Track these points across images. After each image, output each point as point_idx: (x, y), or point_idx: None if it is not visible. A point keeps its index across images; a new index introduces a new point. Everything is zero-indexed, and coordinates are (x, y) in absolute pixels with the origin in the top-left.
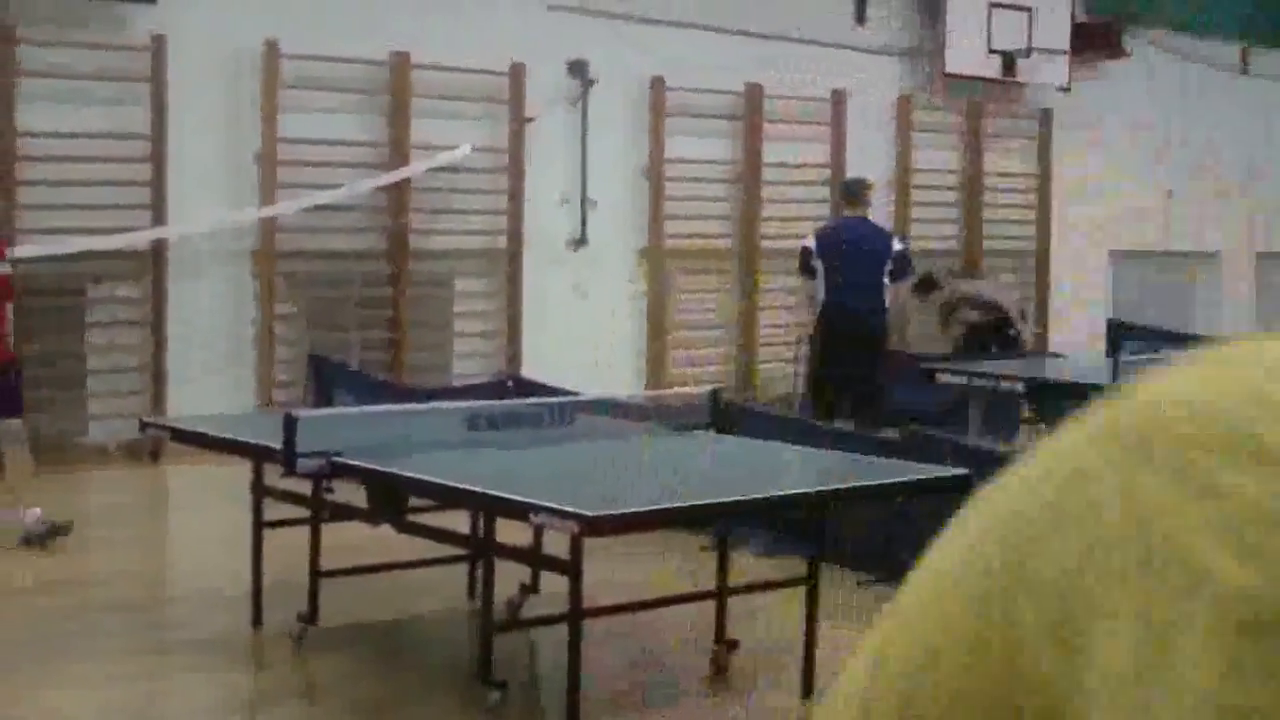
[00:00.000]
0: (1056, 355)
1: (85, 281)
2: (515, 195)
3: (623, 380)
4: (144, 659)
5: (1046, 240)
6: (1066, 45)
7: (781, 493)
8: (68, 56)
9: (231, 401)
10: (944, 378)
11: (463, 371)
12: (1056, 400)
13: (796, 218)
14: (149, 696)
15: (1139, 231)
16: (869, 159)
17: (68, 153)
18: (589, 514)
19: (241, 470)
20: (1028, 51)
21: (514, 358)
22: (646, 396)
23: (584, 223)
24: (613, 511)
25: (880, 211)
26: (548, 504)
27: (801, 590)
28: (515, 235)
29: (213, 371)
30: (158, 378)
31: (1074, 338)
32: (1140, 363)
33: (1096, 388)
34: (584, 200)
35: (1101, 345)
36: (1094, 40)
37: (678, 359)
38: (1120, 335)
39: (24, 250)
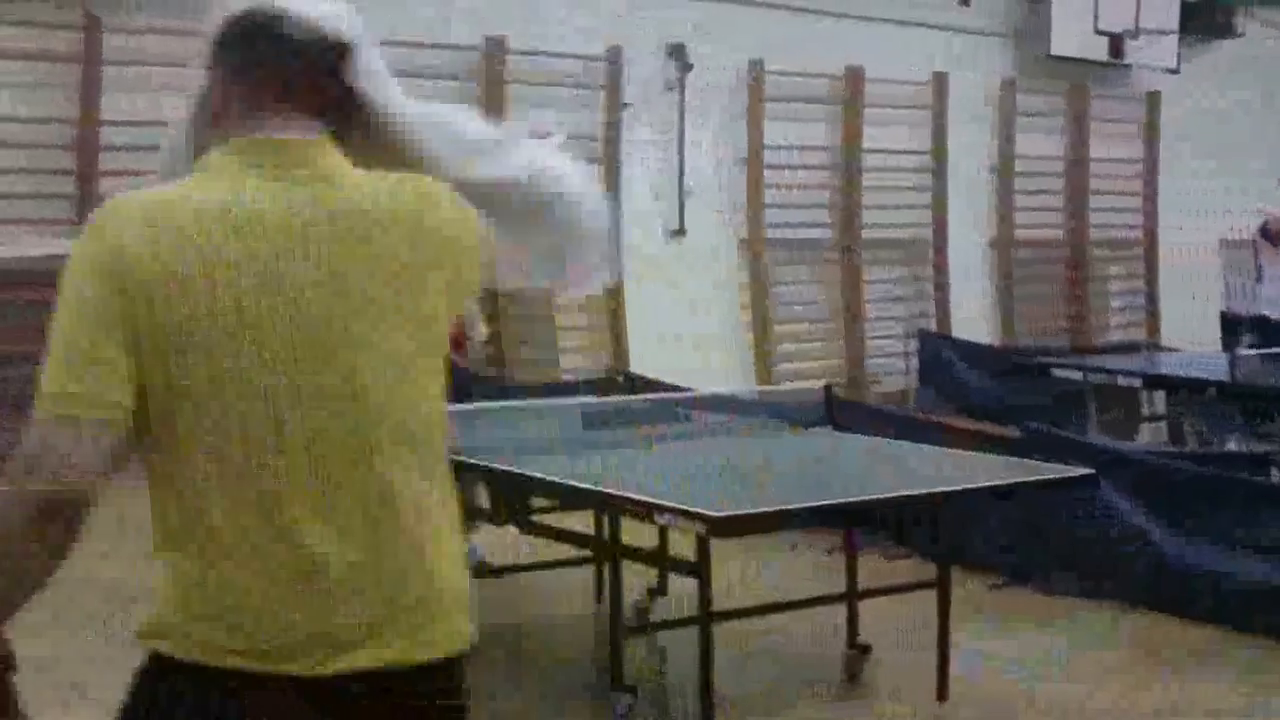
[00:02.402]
0: (1170, 349)
1: None
2: (612, 185)
3: (726, 374)
4: None
5: (1154, 228)
6: (1175, 25)
7: (914, 492)
8: (154, 44)
9: None
10: (1059, 372)
11: (569, 366)
12: (1176, 396)
13: (898, 206)
14: None
15: (1250, 220)
16: (971, 145)
17: (154, 142)
18: (715, 514)
19: None
20: (1135, 32)
21: (619, 352)
22: (757, 392)
23: (682, 212)
24: (740, 512)
25: (981, 199)
26: (674, 504)
27: (932, 593)
28: (614, 225)
29: None
30: None
31: (1186, 330)
32: (1259, 358)
33: (1217, 384)
34: (681, 189)
35: (1215, 337)
36: (1203, 20)
37: (783, 353)
38: (1234, 327)
39: None
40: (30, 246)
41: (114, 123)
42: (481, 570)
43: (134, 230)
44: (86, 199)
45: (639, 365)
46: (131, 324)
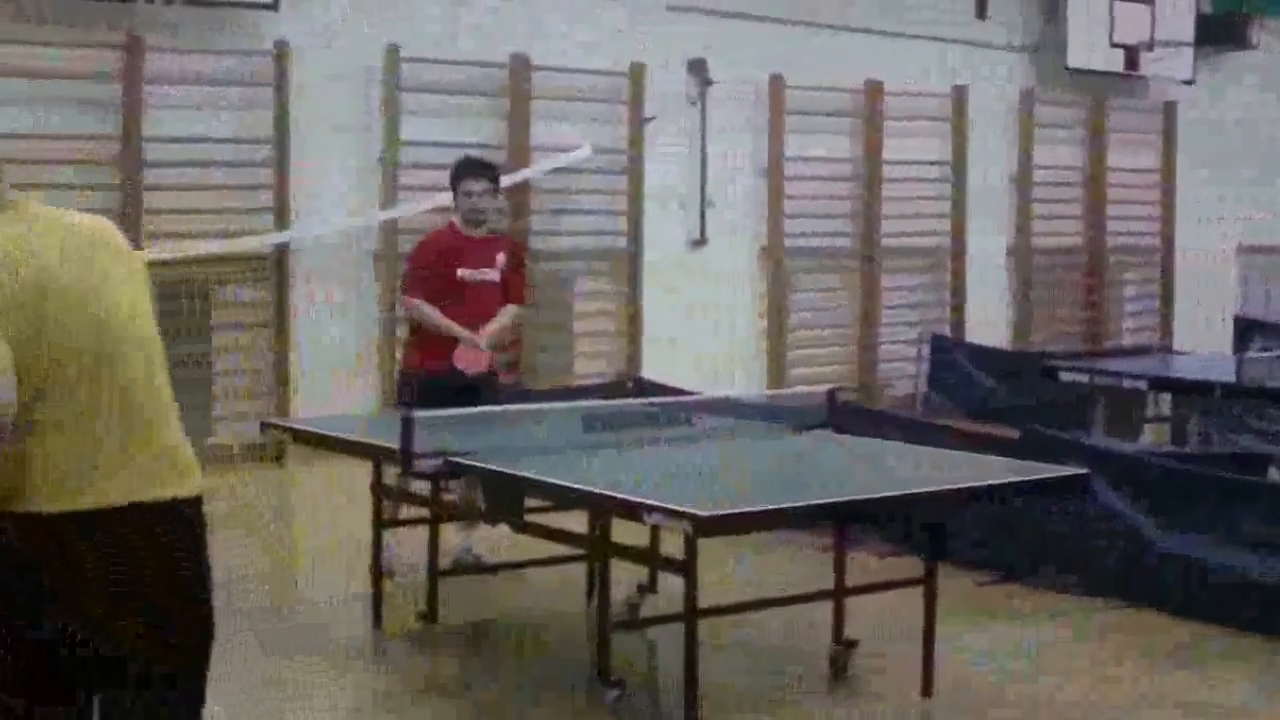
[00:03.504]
0: (1181, 353)
1: (210, 285)
2: (635, 196)
3: (743, 380)
4: (266, 661)
5: (1171, 236)
6: (1191, 37)
7: (896, 493)
8: (193, 63)
9: (356, 403)
10: (1067, 376)
11: (584, 372)
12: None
13: (917, 215)
14: (271, 698)
15: (1267, 227)
16: (990, 156)
17: (193, 158)
18: (702, 514)
19: (363, 471)
20: (1151, 44)
21: (634, 358)
22: (764, 396)
23: (703, 223)
24: (726, 511)
25: (1000, 208)
26: (661, 504)
27: (919, 590)
28: (635, 236)
29: (337, 373)
30: (282, 380)
31: (1200, 335)
32: (1267, 360)
33: (1222, 386)
34: (703, 200)
35: (1228, 342)
36: (1218, 32)
37: (798, 359)
38: (1247, 332)
39: (150, 254)
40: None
41: (156, 139)
42: (474, 567)
43: None
44: (130, 214)
45: (658, 371)
46: None
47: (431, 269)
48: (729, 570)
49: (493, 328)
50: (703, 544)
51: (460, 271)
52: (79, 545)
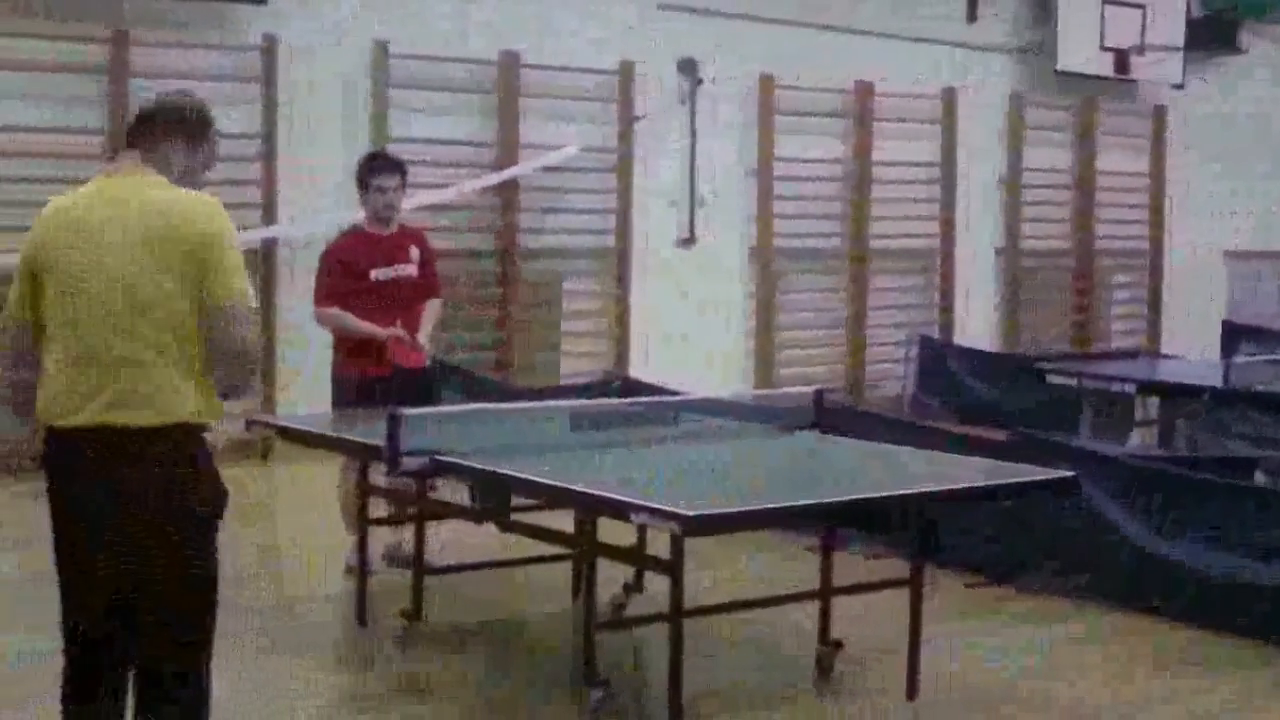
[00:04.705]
0: (1170, 357)
1: None
2: (624, 195)
3: (731, 380)
4: (250, 658)
5: (1160, 240)
6: (1181, 41)
7: (882, 494)
8: (180, 58)
9: None
10: (1055, 378)
11: (571, 371)
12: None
13: (906, 217)
14: (254, 695)
15: (1255, 232)
16: (980, 158)
17: None
18: (689, 514)
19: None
20: (1141, 48)
21: (622, 357)
22: (751, 396)
23: (692, 222)
24: (713, 511)
25: (989, 211)
26: (649, 504)
27: (903, 591)
28: (624, 235)
29: (324, 371)
30: (267, 376)
31: (1188, 339)
32: (1255, 365)
33: (1210, 390)
34: (693, 199)
35: (1215, 347)
36: (1208, 36)
37: (786, 359)
38: (1235, 337)
39: None
40: None
41: None
42: (407, 562)
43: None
44: None
45: (646, 370)
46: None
47: (345, 274)
48: (716, 570)
49: (427, 328)
50: (690, 544)
51: (374, 273)
52: None
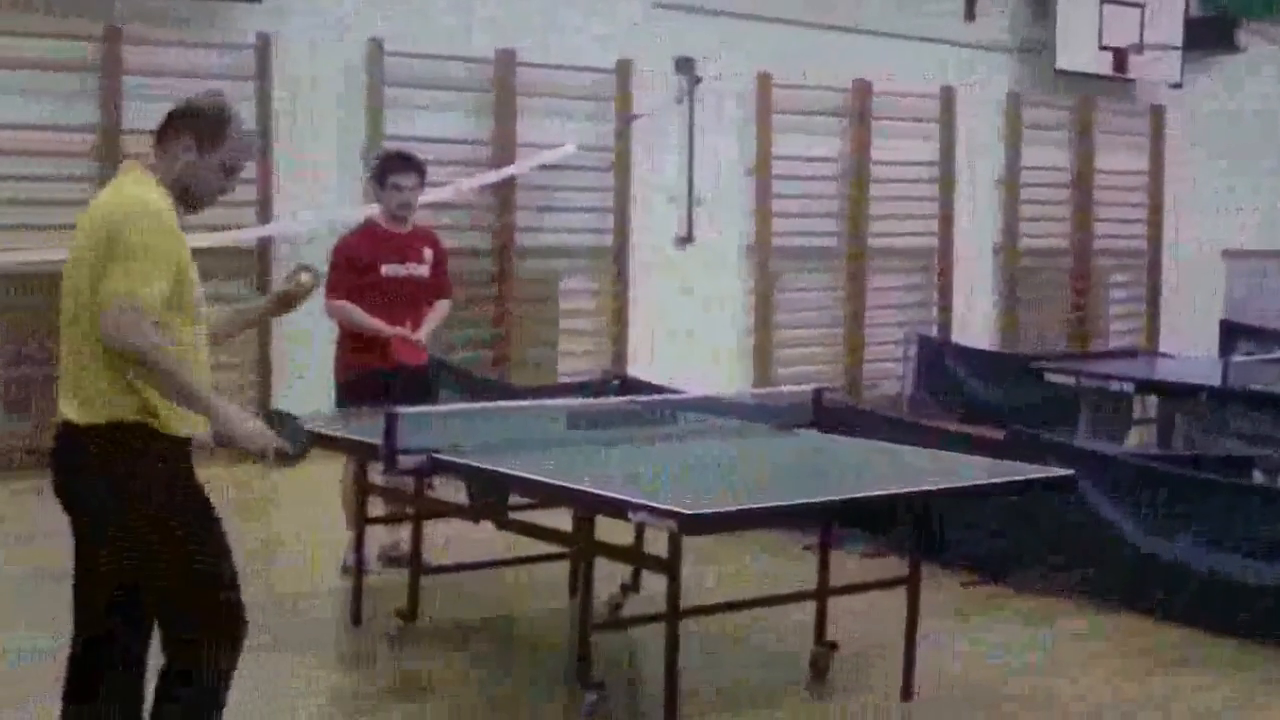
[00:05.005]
0: (1168, 356)
1: None
2: (622, 193)
3: (729, 378)
4: (251, 655)
5: (1158, 239)
6: (1179, 41)
7: (879, 492)
8: (174, 55)
9: None
10: (1053, 377)
11: (569, 370)
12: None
13: (905, 215)
14: (249, 695)
15: (1260, 230)
16: (978, 156)
17: None
18: (686, 512)
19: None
20: (1140, 47)
21: (619, 356)
22: (749, 395)
23: (690, 221)
24: (711, 510)
25: (987, 209)
26: (646, 502)
27: (902, 590)
28: (621, 233)
29: (320, 369)
30: (265, 374)
31: (1186, 338)
32: (1253, 364)
33: (1208, 389)
34: (690, 198)
35: (1214, 346)
36: (1207, 35)
37: (785, 357)
38: (1234, 336)
39: None
40: (53, 251)
41: (135, 131)
42: (402, 561)
43: None
44: None
45: (645, 369)
46: None
47: (355, 268)
48: (720, 566)
49: (430, 327)
50: (691, 542)
51: (384, 268)
52: None
